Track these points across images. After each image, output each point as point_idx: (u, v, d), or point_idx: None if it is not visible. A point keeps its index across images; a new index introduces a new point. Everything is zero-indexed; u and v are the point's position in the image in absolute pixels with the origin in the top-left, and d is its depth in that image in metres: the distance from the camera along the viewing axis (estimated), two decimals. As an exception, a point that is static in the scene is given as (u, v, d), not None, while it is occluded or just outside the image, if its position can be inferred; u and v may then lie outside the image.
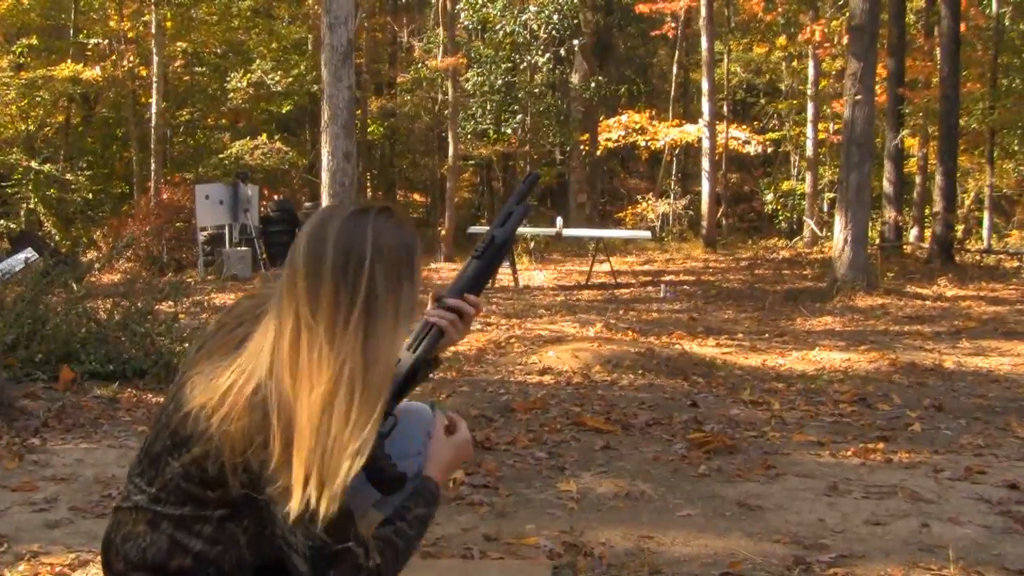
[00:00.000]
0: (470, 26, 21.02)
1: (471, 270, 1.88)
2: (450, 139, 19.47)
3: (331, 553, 1.54)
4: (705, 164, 18.65)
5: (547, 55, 20.25)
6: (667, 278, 13.50)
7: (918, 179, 18.68)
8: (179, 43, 18.96)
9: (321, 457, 1.48)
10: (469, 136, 20.79)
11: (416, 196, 26.32)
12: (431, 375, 2.02)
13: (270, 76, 19.08)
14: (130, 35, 18.69)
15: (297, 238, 1.59)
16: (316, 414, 1.48)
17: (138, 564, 1.64)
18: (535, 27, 19.96)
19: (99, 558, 1.76)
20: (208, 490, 1.59)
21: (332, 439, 1.48)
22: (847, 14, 12.72)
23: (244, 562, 1.64)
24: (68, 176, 17.69)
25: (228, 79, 19.47)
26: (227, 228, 14.26)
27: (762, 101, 24.46)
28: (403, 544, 1.66)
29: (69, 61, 17.83)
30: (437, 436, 1.81)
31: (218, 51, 20.64)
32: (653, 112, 21.56)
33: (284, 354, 1.52)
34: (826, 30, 18.53)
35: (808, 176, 20.46)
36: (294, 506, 1.48)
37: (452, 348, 6.86)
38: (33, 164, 17.27)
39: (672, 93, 22.87)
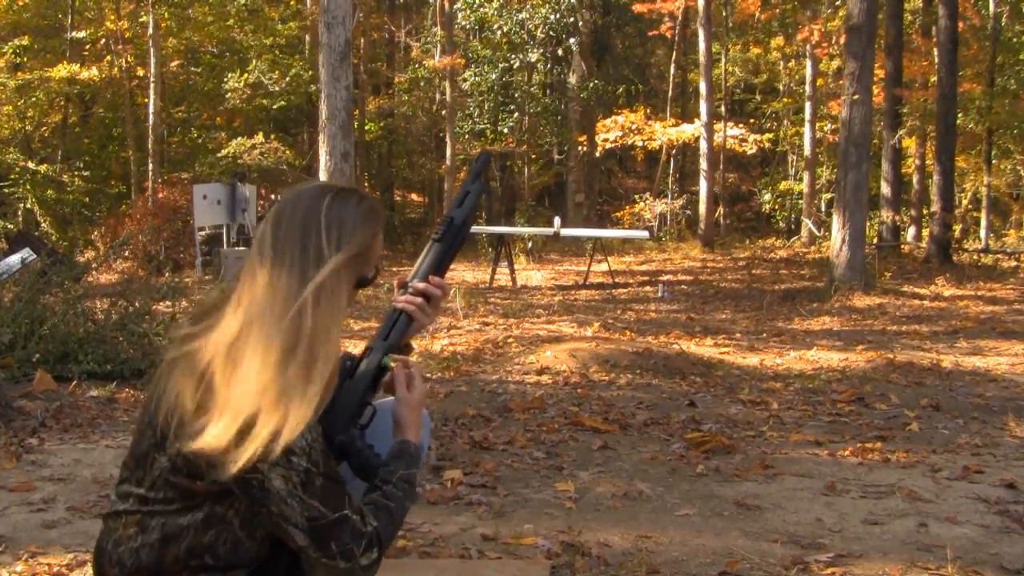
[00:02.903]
0: (467, 26, 21.03)
1: (433, 253, 1.88)
2: (448, 139, 19.47)
3: (329, 523, 1.56)
4: (703, 164, 18.67)
5: (543, 53, 20.24)
6: (665, 278, 13.50)
7: (915, 179, 18.71)
8: (171, 39, 18.89)
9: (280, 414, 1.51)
10: (467, 136, 20.79)
11: (414, 196, 26.30)
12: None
13: (267, 76, 19.05)
14: (127, 35, 18.66)
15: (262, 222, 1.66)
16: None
17: (133, 569, 1.62)
18: (532, 27, 19.96)
19: (97, 558, 1.75)
20: (197, 479, 1.57)
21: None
22: (844, 14, 12.72)
23: (240, 543, 1.63)
24: (65, 176, 17.68)
25: (225, 79, 19.44)
26: (225, 228, 14.25)
27: (757, 98, 24.46)
28: (394, 505, 1.67)
29: (65, 62, 17.81)
30: (400, 396, 1.80)
31: (214, 50, 20.60)
32: (649, 111, 21.56)
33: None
34: (823, 30, 18.55)
35: (806, 176, 20.47)
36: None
37: (450, 348, 6.81)
38: (30, 164, 17.28)
39: (670, 93, 22.87)
